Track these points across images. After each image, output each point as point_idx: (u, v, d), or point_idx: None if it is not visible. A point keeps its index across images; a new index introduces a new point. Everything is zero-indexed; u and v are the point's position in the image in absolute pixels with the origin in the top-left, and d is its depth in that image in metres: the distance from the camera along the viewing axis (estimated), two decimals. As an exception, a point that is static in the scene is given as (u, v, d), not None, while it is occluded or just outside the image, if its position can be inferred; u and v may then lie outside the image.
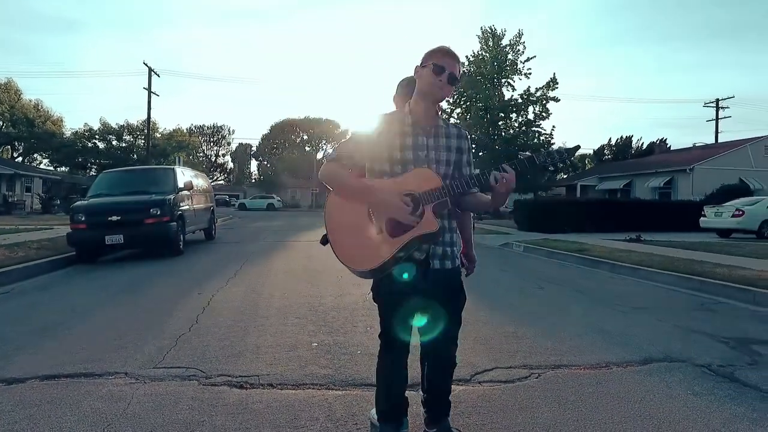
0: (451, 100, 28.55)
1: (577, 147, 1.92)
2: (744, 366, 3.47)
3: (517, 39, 26.45)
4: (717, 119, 34.79)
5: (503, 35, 26.80)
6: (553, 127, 30.63)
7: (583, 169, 41.95)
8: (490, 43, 26.83)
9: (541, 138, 26.01)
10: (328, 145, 63.36)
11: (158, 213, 9.01)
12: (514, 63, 26.63)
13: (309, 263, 8.60)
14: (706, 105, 35.30)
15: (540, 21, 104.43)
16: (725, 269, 7.93)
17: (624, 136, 44.20)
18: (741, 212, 15.33)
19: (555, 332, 4.18)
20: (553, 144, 25.77)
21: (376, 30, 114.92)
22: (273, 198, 47.40)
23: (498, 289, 6.37)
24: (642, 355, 3.61)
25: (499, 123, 27.44)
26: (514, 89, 27.53)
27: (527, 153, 1.97)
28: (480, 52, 27.36)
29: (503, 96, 27.37)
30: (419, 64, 2.00)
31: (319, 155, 63.13)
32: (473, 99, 27.05)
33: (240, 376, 3.08)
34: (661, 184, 25.10)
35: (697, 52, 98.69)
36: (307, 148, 63.19)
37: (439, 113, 2.12)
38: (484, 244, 13.91)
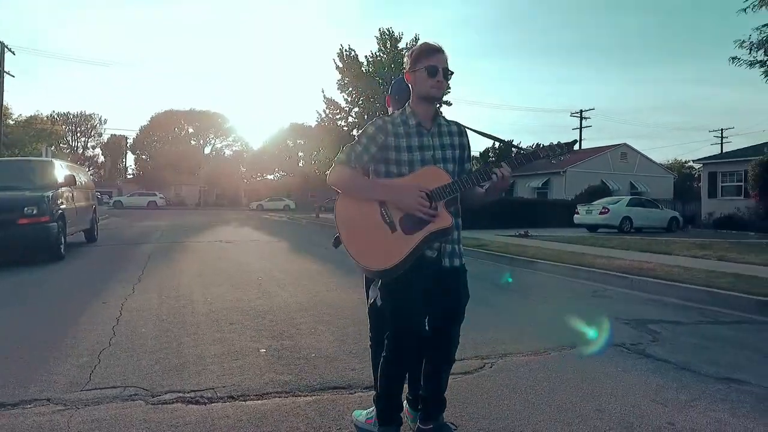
0: (349, 99, 28.75)
1: (575, 141, 2.06)
2: (649, 343, 4.00)
3: (414, 43, 27.41)
4: (581, 127, 39.40)
5: (400, 38, 27.61)
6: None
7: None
8: (388, 45, 27.49)
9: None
10: (217, 139, 60.01)
11: (34, 212, 7.81)
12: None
13: (220, 265, 8.10)
14: (572, 114, 39.76)
15: (424, 28, 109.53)
16: (604, 260, 9.04)
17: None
18: (607, 210, 17.57)
19: (491, 324, 4.43)
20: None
21: (263, 23, 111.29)
22: (155, 195, 43.71)
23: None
24: (570, 340, 3.98)
25: (396, 123, 28.19)
26: (409, 91, 28.47)
27: (527, 147, 2.07)
28: (378, 53, 27.89)
29: (400, 97, 28.17)
30: (408, 69, 2.03)
31: (207, 149, 59.55)
32: (372, 100, 27.49)
33: (192, 391, 2.81)
34: (540, 185, 27.85)
35: (564, 68, 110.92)
36: (192, 142, 59.20)
37: (439, 110, 2.14)
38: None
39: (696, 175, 41.49)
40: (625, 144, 28.82)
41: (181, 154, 52.99)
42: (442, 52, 2.00)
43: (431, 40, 2.05)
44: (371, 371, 3.09)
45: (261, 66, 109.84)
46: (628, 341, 4.02)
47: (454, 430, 2.21)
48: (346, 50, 28.07)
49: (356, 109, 28.77)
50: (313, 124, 34.74)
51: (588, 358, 3.56)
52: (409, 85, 2.06)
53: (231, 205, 52.93)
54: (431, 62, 1.97)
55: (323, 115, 29.32)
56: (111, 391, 2.80)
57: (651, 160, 30.21)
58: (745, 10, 12.39)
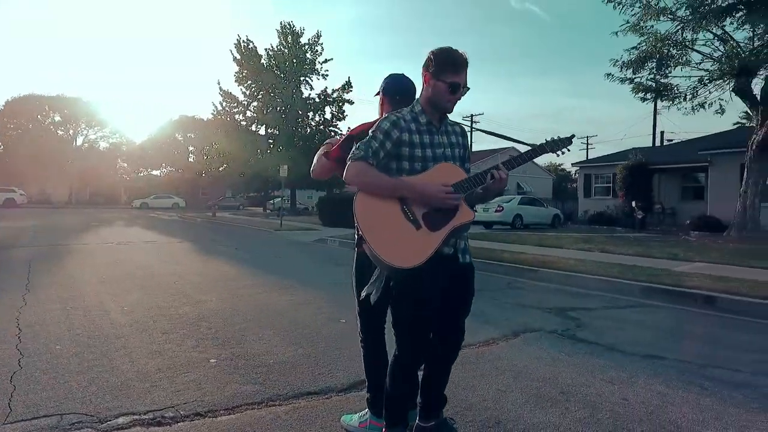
0: (248, 92, 27.59)
1: (573, 135, 2.16)
2: (576, 329, 4.40)
3: (316, 39, 27.11)
4: (472, 130, 41.93)
5: (302, 33, 27.13)
6: (349, 128, 32.42)
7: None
8: (290, 39, 26.86)
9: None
10: (90, 130, 53.82)
11: None
12: (312, 62, 27.22)
13: (123, 269, 7.29)
14: (464, 118, 42.15)
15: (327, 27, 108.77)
16: (510, 254, 9.76)
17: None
18: (501, 208, 18.95)
19: None
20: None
21: (155, 10, 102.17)
22: (14, 192, 37.93)
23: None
24: (511, 329, 4.23)
25: (298, 120, 27.72)
26: (312, 88, 28.16)
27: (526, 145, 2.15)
28: (279, 47, 27.12)
29: (302, 94, 27.74)
30: (430, 72, 1.95)
31: (79, 141, 53.17)
32: (272, 94, 26.68)
33: (149, 411, 2.49)
34: (437, 184, 29.12)
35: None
36: (60, 132, 52.41)
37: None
38: (297, 240, 13.98)
39: (573, 176, 46.54)
40: (513, 147, 31.33)
41: (45, 146, 46.58)
42: (467, 65, 1.96)
43: (460, 49, 1.96)
44: (340, 374, 3.04)
45: (149, 55, 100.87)
46: (559, 328, 4.38)
47: (454, 424, 2.23)
48: (244, 41, 26.89)
49: (255, 103, 27.71)
50: (207, 117, 32.77)
51: (533, 345, 3.81)
52: (424, 85, 2.01)
53: (108, 203, 47.88)
54: (455, 79, 1.93)
55: (219, 108, 27.77)
56: (45, 420, 2.38)
57: (534, 162, 33.21)
58: (617, 33, 14.15)
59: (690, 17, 12.55)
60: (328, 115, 28.25)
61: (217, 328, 4.07)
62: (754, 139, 12.28)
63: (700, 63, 13.32)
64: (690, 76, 13.83)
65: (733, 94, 12.90)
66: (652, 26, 13.36)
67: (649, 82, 13.84)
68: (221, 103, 27.37)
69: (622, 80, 14.46)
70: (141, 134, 76.16)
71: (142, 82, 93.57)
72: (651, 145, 30.52)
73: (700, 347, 3.91)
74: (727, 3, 11.21)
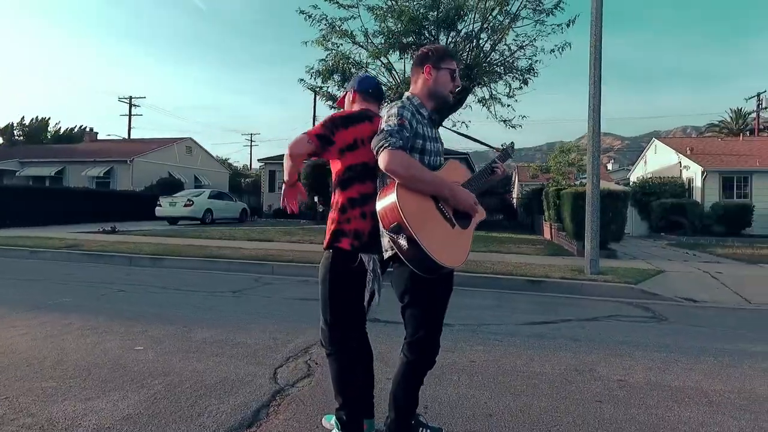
0: None
1: (512, 143, 2.31)
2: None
3: None
4: (130, 115, 37.27)
5: None
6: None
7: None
8: None
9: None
10: None
11: None
12: None
13: None
14: (121, 99, 36.85)
15: None
16: (230, 250, 9.54)
17: (39, 117, 39.48)
18: (191, 202, 17.88)
19: (294, 326, 4.11)
20: None
21: None
22: None
23: (107, 302, 5.04)
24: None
25: None
26: None
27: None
28: None
29: None
30: (431, 63, 1.97)
31: None
32: None
33: None
34: (101, 174, 24.73)
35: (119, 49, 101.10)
36: None
37: None
38: None
39: (249, 171, 47.78)
40: (190, 138, 29.64)
41: None
42: None
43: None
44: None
45: None
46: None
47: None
48: None
49: None
50: None
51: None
52: (422, 79, 1.99)
53: None
54: (452, 66, 1.99)
55: None
56: None
57: (211, 155, 32.43)
58: (306, 43, 15.52)
59: (364, 44, 15.03)
60: None
61: (18, 388, 2.51)
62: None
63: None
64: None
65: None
66: (337, 44, 15.31)
67: (338, 93, 15.81)
68: None
69: (312, 87, 16.00)
70: None
71: None
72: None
73: (468, 313, 4.85)
74: (389, 42, 13.99)
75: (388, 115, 1.87)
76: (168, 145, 27.78)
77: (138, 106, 37.76)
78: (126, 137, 35.57)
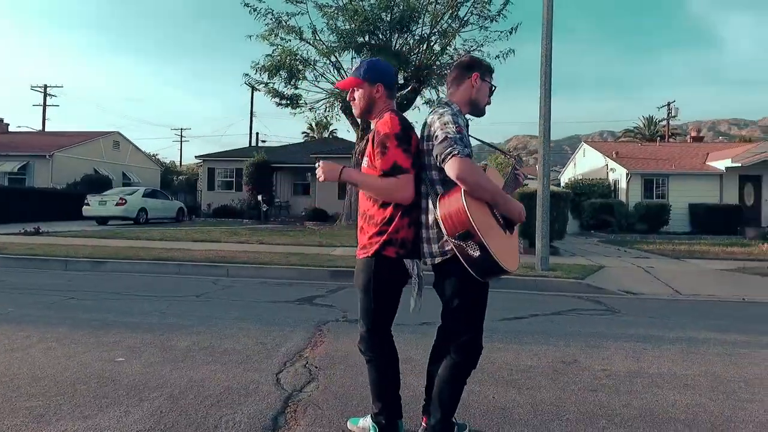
0: None
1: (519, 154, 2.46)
2: (345, 312, 4.77)
3: None
4: (45, 105, 34.20)
5: None
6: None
7: None
8: None
9: None
10: None
11: None
12: None
13: None
14: (33, 88, 33.68)
15: None
16: (180, 252, 9.10)
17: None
18: (124, 201, 16.76)
19: (270, 332, 3.94)
20: None
21: None
22: None
23: (78, 312, 4.60)
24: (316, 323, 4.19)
25: None
26: None
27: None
28: None
29: None
30: (479, 74, 2.02)
31: None
32: None
33: None
34: (16, 169, 22.45)
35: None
36: None
37: None
38: None
39: (179, 169, 45.43)
40: (117, 132, 27.66)
41: None
42: None
43: None
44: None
45: None
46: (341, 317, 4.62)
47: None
48: None
49: None
50: None
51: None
52: (467, 84, 2.03)
53: None
54: (493, 82, 2.08)
55: None
56: None
57: (141, 150, 30.52)
58: (250, 37, 15.07)
59: (312, 41, 14.83)
60: None
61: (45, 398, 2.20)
62: (357, 149, 15.81)
63: (318, 82, 15.94)
64: (309, 91, 16.34)
65: (341, 111, 16.15)
66: (284, 39, 14.98)
67: (285, 90, 15.48)
68: None
69: (258, 82, 15.56)
70: None
71: None
72: (248, 144, 33.23)
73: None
74: (344, 41, 13.90)
75: (442, 122, 1.86)
76: (93, 138, 25.86)
77: (54, 96, 34.79)
78: (41, 129, 32.62)
